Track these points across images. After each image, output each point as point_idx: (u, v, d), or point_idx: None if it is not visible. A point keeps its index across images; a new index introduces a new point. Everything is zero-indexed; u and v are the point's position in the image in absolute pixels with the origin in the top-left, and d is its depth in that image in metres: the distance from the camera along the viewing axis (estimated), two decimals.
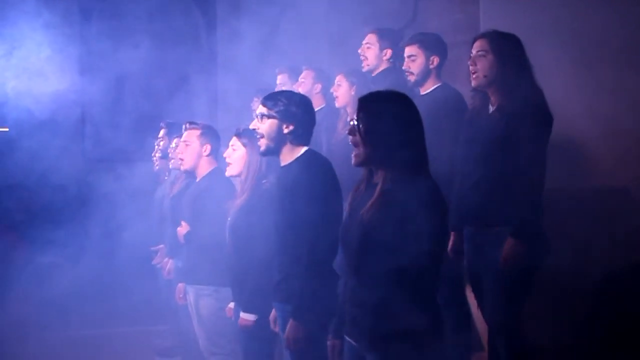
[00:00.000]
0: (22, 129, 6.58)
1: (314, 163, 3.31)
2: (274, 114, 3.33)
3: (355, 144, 2.69)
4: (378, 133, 2.63)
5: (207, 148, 4.56)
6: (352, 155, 2.71)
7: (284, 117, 3.32)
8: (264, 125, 3.35)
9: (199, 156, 4.58)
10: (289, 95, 3.44)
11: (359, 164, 2.72)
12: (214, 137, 4.62)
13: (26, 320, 6.08)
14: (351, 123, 2.70)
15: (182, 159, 4.64)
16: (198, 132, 4.60)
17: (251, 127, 3.57)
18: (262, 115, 3.36)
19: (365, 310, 2.63)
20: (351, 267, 2.71)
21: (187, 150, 4.60)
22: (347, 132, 2.72)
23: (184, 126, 4.75)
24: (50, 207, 6.74)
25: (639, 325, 3.78)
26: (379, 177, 2.67)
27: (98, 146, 7.59)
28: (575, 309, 4.07)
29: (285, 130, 3.33)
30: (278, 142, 3.35)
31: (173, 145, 5.20)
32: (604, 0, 4.24)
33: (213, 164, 4.58)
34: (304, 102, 3.41)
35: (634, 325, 3.79)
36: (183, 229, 4.49)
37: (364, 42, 4.74)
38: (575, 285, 4.00)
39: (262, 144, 3.38)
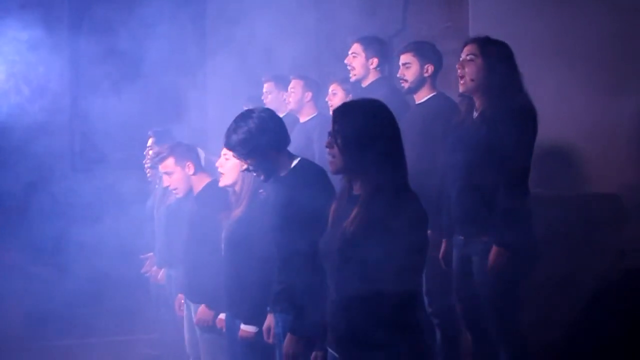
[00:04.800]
0: (11, 137, 6.57)
1: (311, 173, 3.31)
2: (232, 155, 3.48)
3: (334, 156, 2.67)
4: (355, 144, 2.60)
5: (190, 166, 4.45)
6: (329, 162, 2.69)
7: (242, 156, 3.38)
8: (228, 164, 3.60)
9: (187, 178, 4.48)
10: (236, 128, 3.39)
11: (336, 172, 2.70)
12: (190, 154, 4.51)
13: (13, 330, 6.04)
14: (329, 135, 2.69)
15: (175, 189, 4.56)
16: (172, 159, 4.50)
17: (217, 164, 3.62)
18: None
19: (347, 323, 2.61)
20: (332, 281, 2.69)
21: (172, 179, 4.51)
22: (325, 144, 2.70)
23: (150, 153, 4.66)
24: (39, 216, 6.71)
25: (631, 332, 3.79)
26: (358, 189, 2.65)
27: (87, 155, 7.57)
28: (566, 317, 4.07)
29: (244, 167, 3.44)
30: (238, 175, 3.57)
31: None
32: (591, 9, 4.27)
33: (205, 178, 4.46)
34: (251, 121, 3.37)
35: (626, 332, 3.80)
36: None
37: (349, 51, 4.75)
38: (566, 293, 4.00)
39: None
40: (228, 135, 3.39)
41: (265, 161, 3.32)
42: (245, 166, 3.40)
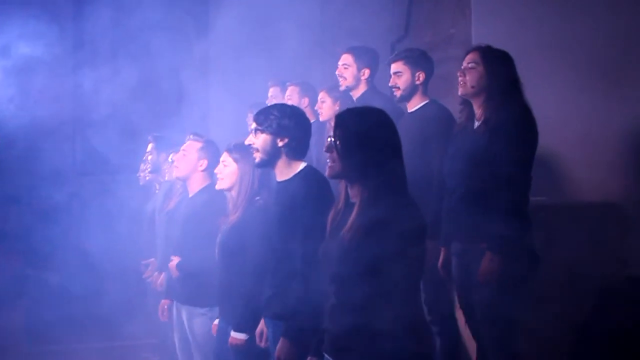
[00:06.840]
0: (13, 142, 6.58)
1: (314, 180, 3.31)
2: (267, 129, 3.35)
3: (333, 161, 2.68)
4: (355, 149, 2.62)
5: (204, 163, 4.52)
6: (327, 167, 2.71)
7: (277, 131, 3.34)
8: (258, 140, 3.38)
9: (194, 170, 4.55)
10: (281, 108, 3.45)
11: (334, 177, 2.72)
12: (213, 154, 4.56)
13: (14, 333, 6.05)
14: (328, 139, 2.70)
15: (177, 166, 4.63)
16: (199, 145, 4.56)
17: (246, 142, 3.57)
18: (256, 130, 3.38)
19: (346, 330, 2.61)
20: (331, 287, 2.69)
21: (183, 159, 4.58)
22: (324, 149, 2.72)
23: (187, 137, 4.74)
24: (41, 220, 6.71)
25: (629, 338, 3.78)
26: (355, 195, 2.66)
27: (89, 159, 7.58)
28: (569, 325, 4.06)
29: (280, 144, 3.34)
30: (273, 155, 3.37)
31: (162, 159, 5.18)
32: (593, 17, 4.27)
33: (207, 179, 4.52)
34: (296, 115, 3.41)
35: (629, 340, 3.79)
36: (174, 262, 4.47)
37: (340, 62, 4.68)
38: (569, 301, 3.98)
39: (257, 156, 3.40)
40: (266, 107, 3.47)
41: (272, 145, 3.33)
42: (252, 142, 3.40)
